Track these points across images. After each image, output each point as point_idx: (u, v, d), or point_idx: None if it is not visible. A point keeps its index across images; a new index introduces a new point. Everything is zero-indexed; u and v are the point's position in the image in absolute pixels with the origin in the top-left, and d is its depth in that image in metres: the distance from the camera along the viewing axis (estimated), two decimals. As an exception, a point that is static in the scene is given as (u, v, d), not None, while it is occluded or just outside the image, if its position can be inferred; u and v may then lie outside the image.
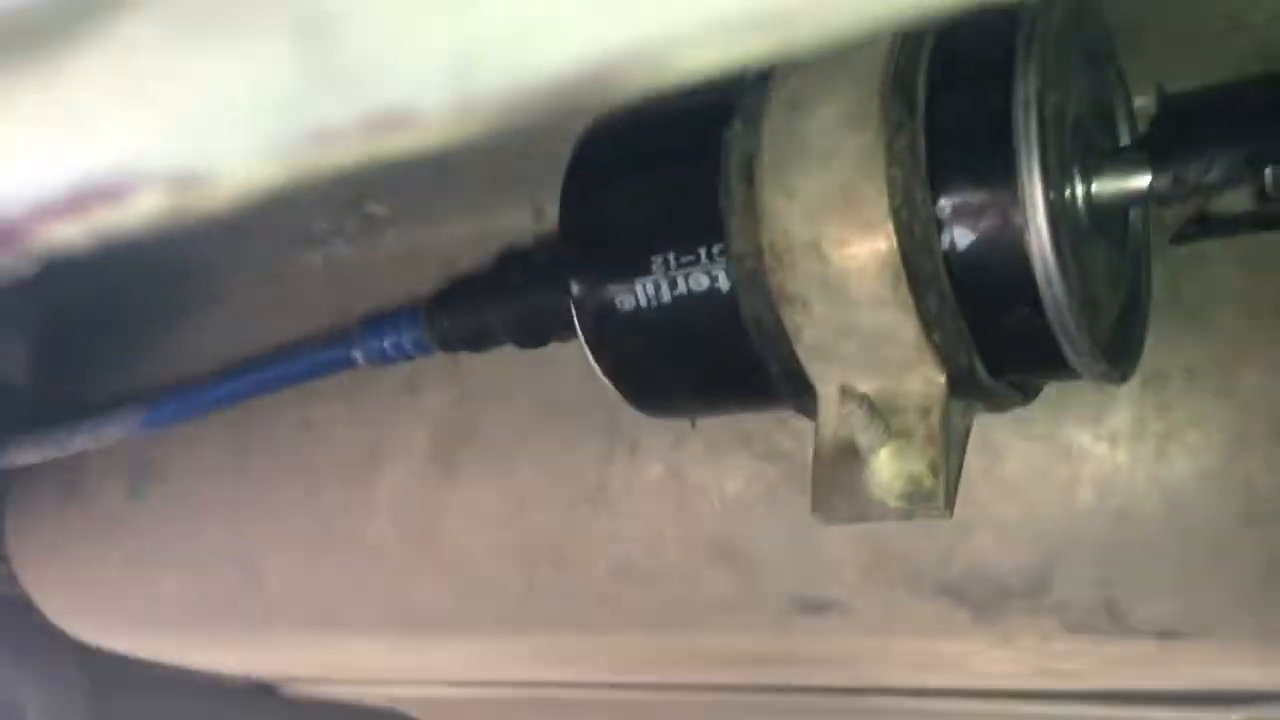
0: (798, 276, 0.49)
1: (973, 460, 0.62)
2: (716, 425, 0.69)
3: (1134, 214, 0.56)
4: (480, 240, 0.80)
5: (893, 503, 0.48)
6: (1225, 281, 0.59)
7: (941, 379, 0.49)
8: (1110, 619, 0.63)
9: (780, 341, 0.51)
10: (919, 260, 0.46)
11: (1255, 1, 0.54)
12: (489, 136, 0.17)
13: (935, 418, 0.49)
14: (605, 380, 0.58)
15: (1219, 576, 0.60)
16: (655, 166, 0.55)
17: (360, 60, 0.17)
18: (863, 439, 0.49)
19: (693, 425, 0.70)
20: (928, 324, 0.47)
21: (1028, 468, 0.61)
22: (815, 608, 0.69)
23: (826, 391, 0.51)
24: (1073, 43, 0.51)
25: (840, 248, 0.47)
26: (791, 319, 0.50)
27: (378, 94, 0.17)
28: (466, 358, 0.80)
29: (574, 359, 0.73)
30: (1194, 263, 0.59)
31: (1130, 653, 0.67)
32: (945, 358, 0.48)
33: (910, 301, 0.47)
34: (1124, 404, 0.60)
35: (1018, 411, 0.61)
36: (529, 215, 0.78)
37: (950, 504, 0.48)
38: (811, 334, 0.50)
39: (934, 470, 0.48)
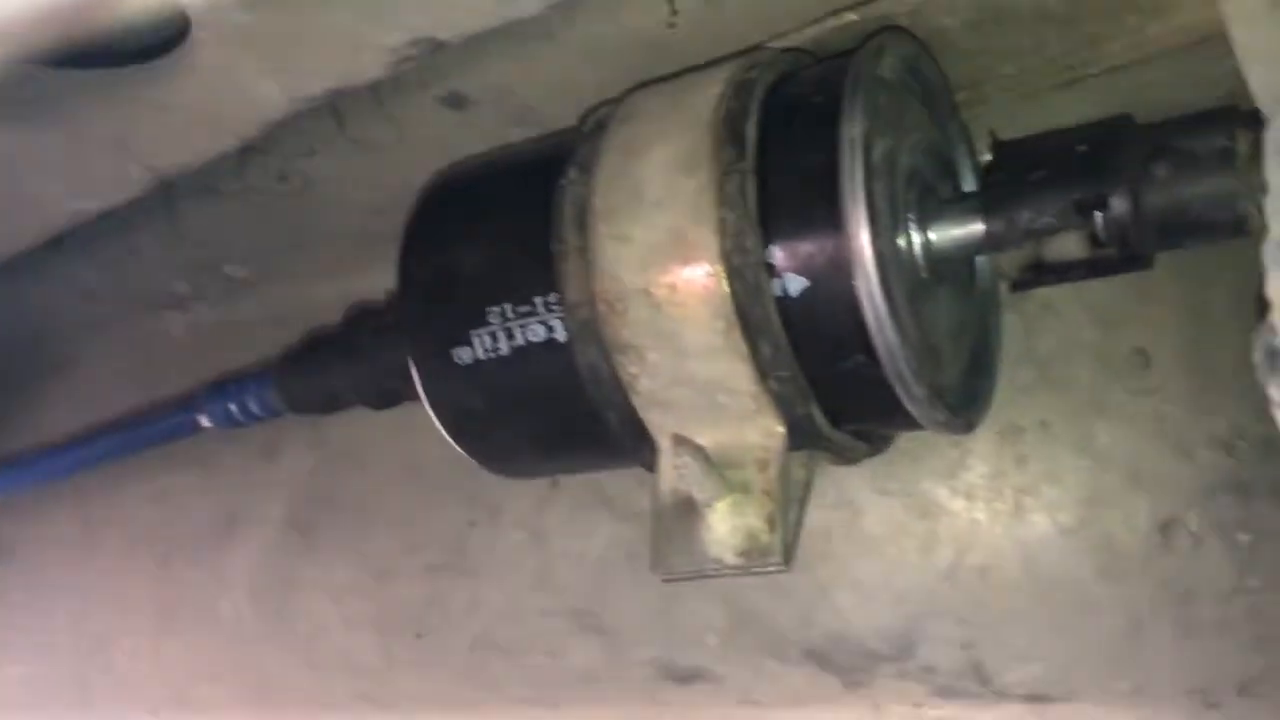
0: (630, 325, 0.47)
1: (830, 516, 0.60)
2: (579, 487, 0.67)
3: (981, 265, 0.55)
4: (344, 302, 0.77)
5: (730, 559, 0.46)
6: (1078, 334, 0.58)
7: (780, 429, 0.47)
8: (978, 682, 0.61)
9: (617, 392, 0.49)
10: (751, 306, 0.45)
11: (1093, 56, 0.54)
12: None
13: (773, 470, 0.47)
14: (448, 437, 0.56)
15: (1083, 636, 0.58)
16: (492, 217, 0.53)
17: None
18: (699, 493, 0.47)
19: (554, 483, 0.67)
20: (762, 372, 0.46)
21: (886, 524, 0.60)
22: (681, 676, 0.66)
23: (665, 444, 0.49)
24: (906, 91, 0.51)
25: (671, 293, 0.46)
26: (626, 369, 0.48)
27: None
28: (326, 422, 0.77)
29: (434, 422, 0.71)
30: (1047, 316, 0.59)
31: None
32: (782, 407, 0.47)
33: (744, 349, 0.45)
34: (980, 458, 0.59)
35: (875, 466, 0.60)
36: (392, 275, 0.76)
37: (789, 559, 0.46)
38: (647, 384, 0.48)
39: (771, 525, 0.46)
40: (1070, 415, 0.58)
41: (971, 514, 0.58)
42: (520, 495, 0.69)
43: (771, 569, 0.46)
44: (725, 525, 0.47)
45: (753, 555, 0.46)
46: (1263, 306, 0.35)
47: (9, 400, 0.89)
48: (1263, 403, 0.36)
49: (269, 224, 0.73)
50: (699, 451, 0.46)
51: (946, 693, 0.63)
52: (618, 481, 0.66)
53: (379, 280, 0.77)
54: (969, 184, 0.54)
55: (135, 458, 0.79)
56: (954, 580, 0.59)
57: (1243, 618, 0.56)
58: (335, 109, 0.64)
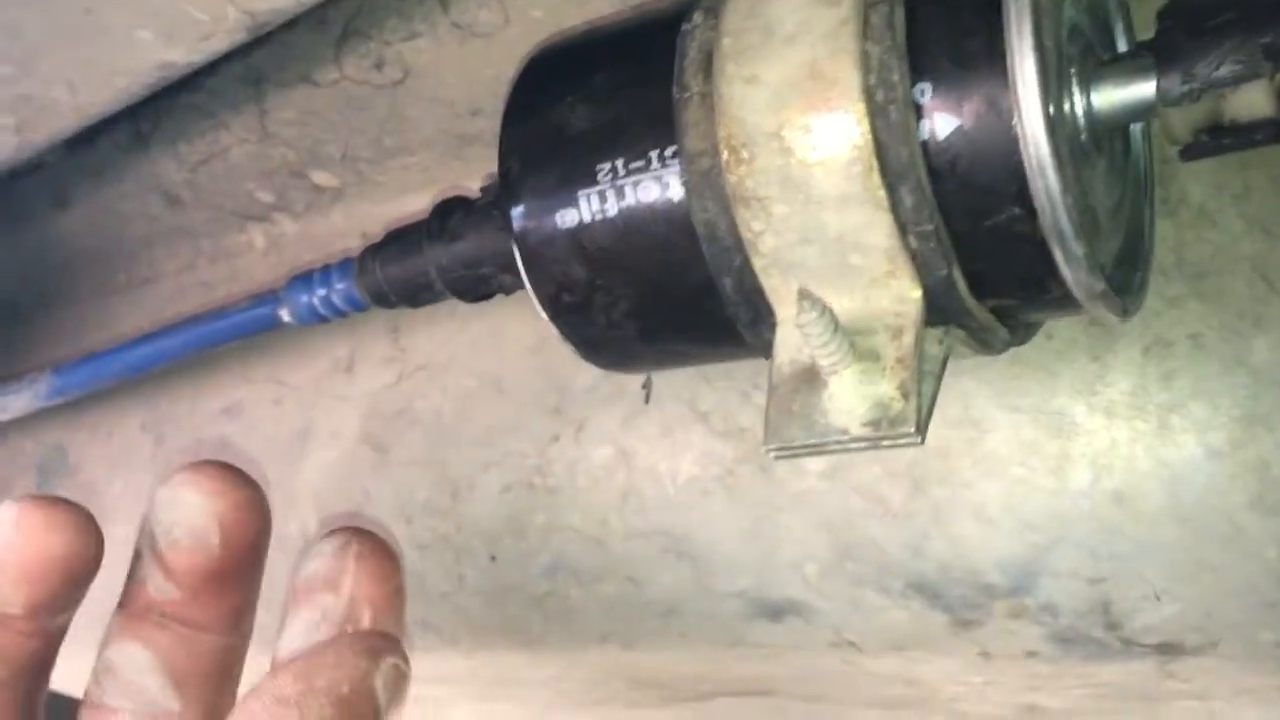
0: (756, 173, 0.43)
1: (951, 434, 0.56)
2: (672, 400, 0.63)
3: (1136, 147, 0.50)
4: (433, 215, 0.74)
5: (856, 429, 0.42)
6: (1237, 244, 0.53)
7: (917, 294, 0.43)
8: (1105, 626, 0.56)
9: (736, 252, 0.45)
10: (894, 149, 0.41)
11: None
12: None
13: (909, 339, 0.43)
14: (544, 315, 0.52)
15: (1228, 574, 0.53)
16: (606, 71, 0.49)
17: None
18: (824, 359, 0.42)
19: (646, 400, 0.63)
20: (902, 225, 0.42)
21: (1014, 443, 0.55)
22: (773, 611, 0.62)
23: (785, 312, 0.45)
24: (1071, -66, 0.46)
25: (805, 135, 0.42)
26: (749, 224, 0.44)
27: None
28: (409, 334, 0.74)
29: (522, 333, 0.68)
30: (1201, 223, 0.54)
31: (1126, 678, 0.60)
32: (921, 268, 0.42)
33: (883, 196, 0.41)
34: (1122, 373, 0.53)
35: (1003, 380, 0.55)
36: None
37: (923, 429, 0.41)
38: (771, 242, 0.44)
39: (905, 393, 0.42)
40: (1225, 329, 0.53)
41: (1111, 433, 0.53)
42: (607, 409, 0.65)
43: (904, 441, 0.41)
44: (852, 394, 0.42)
45: (882, 425, 0.41)
46: None
47: (88, 308, 0.87)
48: None
49: (361, 122, 0.71)
50: (828, 310, 0.42)
51: (1067, 639, 0.57)
52: (714, 395, 0.62)
53: (469, 191, 0.75)
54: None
55: (207, 368, 0.77)
56: (1088, 506, 0.54)
57: None
58: (439, -12, 0.61)
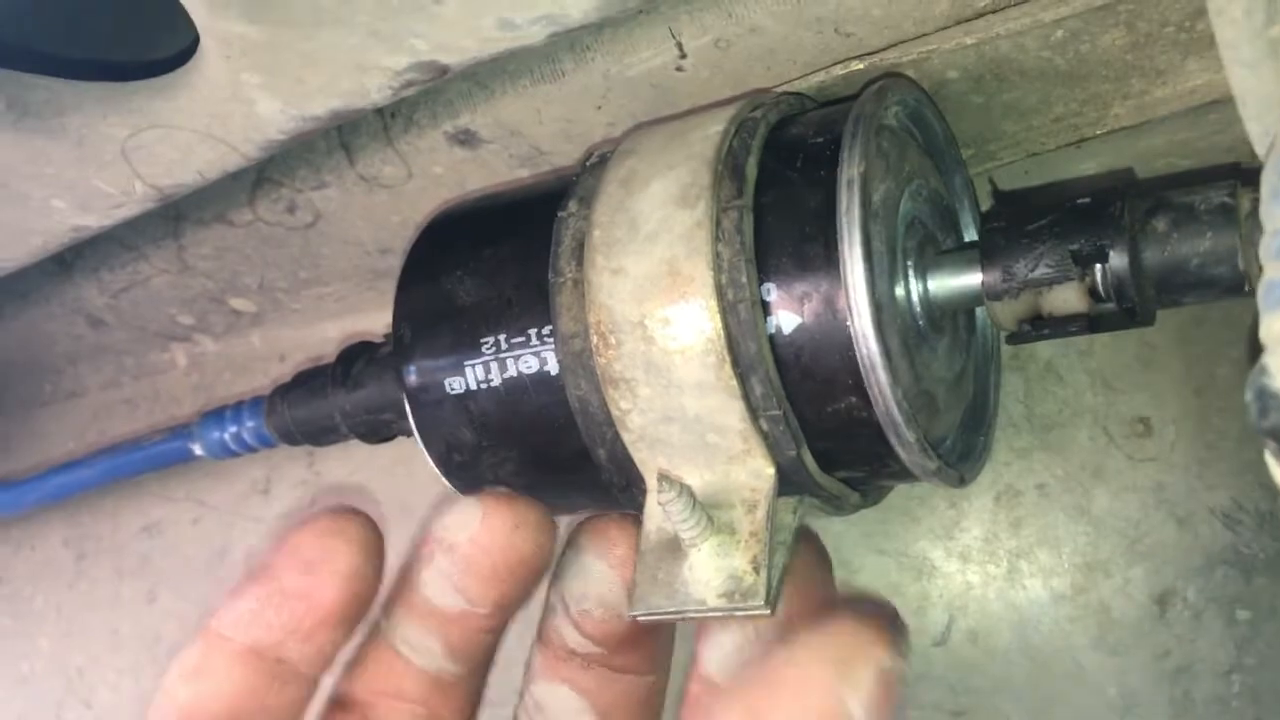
0: (623, 357, 0.47)
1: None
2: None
3: (982, 320, 0.55)
4: (346, 340, 0.78)
5: (712, 600, 0.45)
6: (1079, 398, 0.58)
7: (769, 471, 0.46)
8: (967, 754, 0.59)
9: (607, 427, 0.49)
10: (743, 342, 0.45)
11: (1099, 117, 0.54)
12: None
13: (761, 513, 0.46)
14: (436, 470, 0.55)
15: (1075, 708, 0.57)
16: (491, 250, 0.53)
17: None
18: (684, 532, 0.46)
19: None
20: (753, 410, 0.45)
21: (880, 583, 0.58)
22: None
23: (652, 483, 0.49)
24: (909, 138, 0.51)
25: (664, 327, 0.45)
26: (617, 403, 0.47)
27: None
28: (323, 459, 0.77)
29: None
30: (1048, 379, 0.58)
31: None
32: (772, 448, 0.46)
33: (735, 386, 0.45)
34: (976, 519, 0.58)
35: (870, 525, 0.59)
36: (395, 313, 0.77)
37: (772, 602, 0.45)
38: (637, 420, 0.47)
39: (756, 567, 0.45)
40: (1068, 480, 0.57)
41: (966, 576, 0.57)
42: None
43: (755, 613, 0.45)
44: (709, 566, 0.46)
45: (735, 597, 0.45)
46: (1256, 349, 0.34)
47: (13, 420, 0.89)
48: (1265, 477, 0.35)
49: (276, 258, 0.74)
50: (685, 490, 0.45)
51: (935, 764, 0.61)
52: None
53: (382, 320, 0.78)
54: (972, 238, 0.54)
55: (129, 486, 0.79)
56: (946, 645, 0.58)
57: (1240, 697, 0.55)
58: (345, 145, 0.65)
